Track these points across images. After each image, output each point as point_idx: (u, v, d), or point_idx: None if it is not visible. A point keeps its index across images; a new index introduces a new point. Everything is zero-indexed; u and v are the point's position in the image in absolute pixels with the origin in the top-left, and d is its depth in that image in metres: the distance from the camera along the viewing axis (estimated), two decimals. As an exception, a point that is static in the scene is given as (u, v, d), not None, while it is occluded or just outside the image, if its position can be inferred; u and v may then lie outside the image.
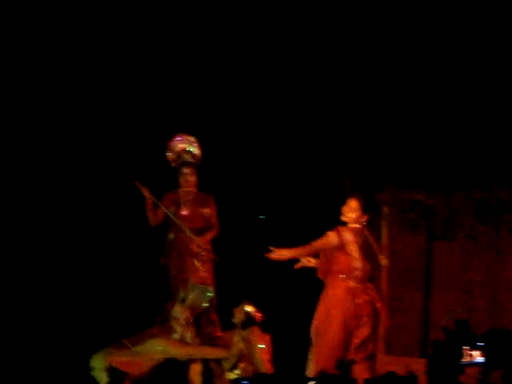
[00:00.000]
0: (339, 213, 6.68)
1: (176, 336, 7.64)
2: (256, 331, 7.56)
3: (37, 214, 8.40)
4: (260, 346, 7.51)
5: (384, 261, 6.77)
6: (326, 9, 7.79)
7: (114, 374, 5.45)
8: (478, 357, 6.36)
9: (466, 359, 6.30)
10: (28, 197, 8.37)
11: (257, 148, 8.25)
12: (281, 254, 6.79)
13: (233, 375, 7.52)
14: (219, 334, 7.78)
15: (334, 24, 7.78)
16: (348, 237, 6.67)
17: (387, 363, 7.36)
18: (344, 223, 6.68)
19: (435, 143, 7.74)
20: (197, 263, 7.81)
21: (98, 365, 7.10)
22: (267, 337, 7.59)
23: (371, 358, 6.73)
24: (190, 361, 7.54)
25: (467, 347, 6.33)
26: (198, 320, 7.72)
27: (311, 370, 6.59)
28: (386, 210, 7.74)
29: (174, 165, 7.92)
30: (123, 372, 5.58)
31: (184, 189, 7.91)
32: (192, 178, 7.89)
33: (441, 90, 7.64)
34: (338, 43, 7.83)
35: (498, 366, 5.76)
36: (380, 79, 7.66)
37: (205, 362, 7.54)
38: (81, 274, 8.39)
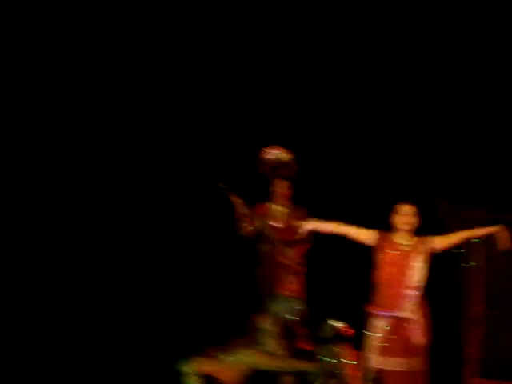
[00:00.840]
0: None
1: (265, 348, 7.64)
2: (346, 347, 7.49)
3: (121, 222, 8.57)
4: (349, 362, 7.44)
5: None
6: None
7: (210, 381, 5.48)
8: None
9: None
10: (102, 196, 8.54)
11: (350, 160, 8.19)
12: None
13: (321, 390, 7.48)
14: (309, 347, 7.75)
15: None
16: None
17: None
18: None
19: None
20: (289, 276, 7.81)
21: (189, 371, 7.17)
22: (357, 353, 7.50)
23: None
24: (282, 373, 7.54)
25: None
26: (288, 333, 7.71)
27: None
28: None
29: (269, 177, 7.95)
30: (218, 379, 5.61)
31: (278, 201, 7.93)
32: (287, 191, 7.90)
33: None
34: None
35: None
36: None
37: (297, 375, 7.51)
38: (175, 280, 8.52)
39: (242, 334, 7.81)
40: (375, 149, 8.05)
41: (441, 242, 6.98)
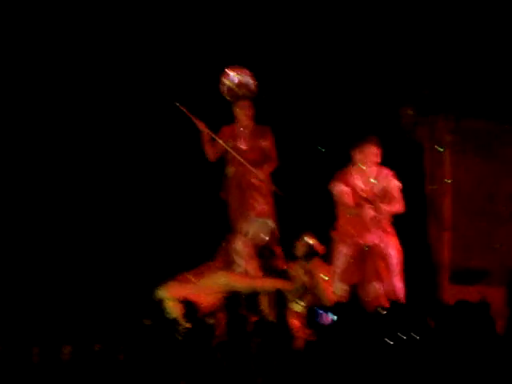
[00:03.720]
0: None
1: (239, 269, 7.67)
2: (318, 263, 7.56)
3: (90, 150, 8.45)
4: (323, 277, 7.52)
5: None
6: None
7: (187, 305, 5.50)
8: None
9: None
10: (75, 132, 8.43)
11: (313, 77, 8.13)
12: None
13: (297, 307, 7.56)
14: (282, 266, 7.81)
15: None
16: None
17: (454, 293, 7.37)
18: None
19: (499, 71, 7.58)
20: (257, 196, 7.81)
21: (166, 296, 7.17)
22: (330, 268, 7.58)
23: None
24: (257, 293, 7.58)
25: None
26: (261, 253, 7.74)
27: None
28: (448, 137, 7.64)
29: (229, 99, 7.87)
30: (194, 303, 5.64)
31: (241, 122, 7.87)
32: (249, 112, 7.84)
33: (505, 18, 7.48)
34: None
35: None
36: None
37: (272, 294, 7.56)
38: (143, 208, 8.46)
39: (215, 256, 7.84)
40: (340, 58, 7.97)
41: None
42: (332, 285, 7.21)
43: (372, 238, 7.10)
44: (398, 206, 7.09)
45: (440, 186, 7.71)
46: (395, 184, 7.10)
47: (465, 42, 7.58)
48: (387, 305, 6.42)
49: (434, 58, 7.67)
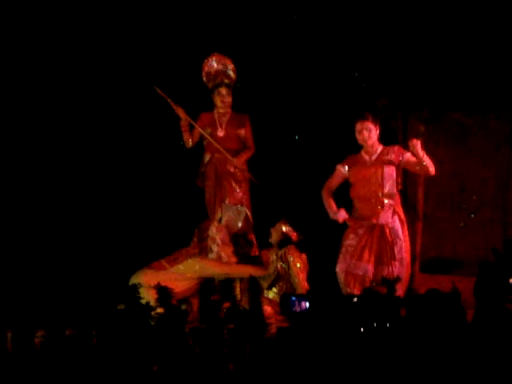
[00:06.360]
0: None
1: (212, 255, 7.70)
2: (292, 250, 7.61)
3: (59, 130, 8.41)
4: (297, 264, 7.57)
5: None
6: None
7: (161, 291, 5.54)
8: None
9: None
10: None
11: (292, 67, 8.15)
12: None
13: (271, 294, 7.61)
14: (256, 253, 7.86)
15: None
16: None
17: (425, 282, 7.44)
18: None
19: (473, 63, 7.64)
20: (233, 184, 7.85)
21: (140, 283, 7.19)
22: (303, 256, 7.64)
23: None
24: (231, 280, 7.62)
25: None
26: (236, 240, 7.78)
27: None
28: (422, 128, 7.69)
29: (209, 86, 7.89)
30: (169, 289, 5.69)
31: (219, 110, 7.89)
32: (227, 99, 7.86)
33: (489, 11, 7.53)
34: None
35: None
36: None
37: (246, 281, 7.59)
38: (118, 194, 8.45)
39: (189, 242, 7.86)
40: (317, 50, 8.00)
41: (410, 158, 7.19)
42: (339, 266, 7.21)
43: (385, 218, 7.16)
44: (429, 167, 7.20)
45: (413, 177, 7.77)
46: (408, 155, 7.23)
47: (439, 34, 7.62)
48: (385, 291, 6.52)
49: (408, 50, 7.71)
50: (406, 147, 7.34)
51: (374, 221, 7.21)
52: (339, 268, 7.23)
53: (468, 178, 8.03)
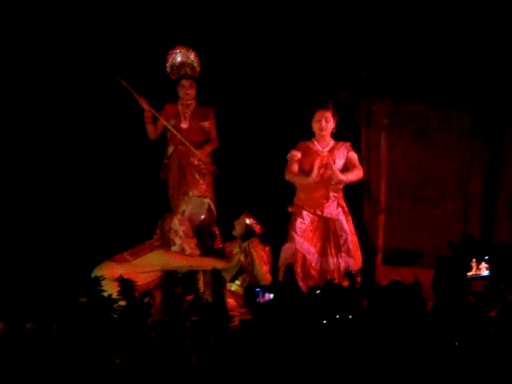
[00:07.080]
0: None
1: (175, 248, 7.70)
2: (256, 243, 7.63)
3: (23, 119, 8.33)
4: (260, 257, 7.58)
5: None
6: None
7: (124, 284, 5.52)
8: (484, 270, 6.44)
9: (473, 273, 6.36)
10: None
11: (256, 58, 8.15)
12: None
13: (234, 286, 7.62)
14: (219, 245, 7.85)
15: None
16: None
17: (387, 273, 7.49)
18: None
19: (438, 56, 7.70)
20: (196, 176, 7.83)
21: (103, 276, 7.15)
22: (267, 248, 7.66)
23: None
24: (194, 272, 7.60)
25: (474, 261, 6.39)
26: (199, 233, 7.77)
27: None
28: (385, 121, 7.74)
29: (173, 77, 7.86)
30: (132, 282, 5.67)
31: (183, 102, 7.87)
32: (191, 91, 7.84)
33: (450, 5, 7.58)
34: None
35: (504, 279, 5.81)
36: None
37: (209, 273, 7.59)
38: (81, 186, 8.40)
39: (152, 235, 7.84)
40: (281, 44, 8.01)
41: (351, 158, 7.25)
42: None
43: (329, 210, 7.18)
44: (360, 173, 7.24)
45: (375, 168, 7.82)
46: (353, 154, 7.24)
47: (402, 25, 7.66)
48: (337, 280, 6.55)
49: (371, 42, 7.74)
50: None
51: (319, 212, 7.23)
52: (287, 246, 7.23)
53: (430, 170, 8.11)
